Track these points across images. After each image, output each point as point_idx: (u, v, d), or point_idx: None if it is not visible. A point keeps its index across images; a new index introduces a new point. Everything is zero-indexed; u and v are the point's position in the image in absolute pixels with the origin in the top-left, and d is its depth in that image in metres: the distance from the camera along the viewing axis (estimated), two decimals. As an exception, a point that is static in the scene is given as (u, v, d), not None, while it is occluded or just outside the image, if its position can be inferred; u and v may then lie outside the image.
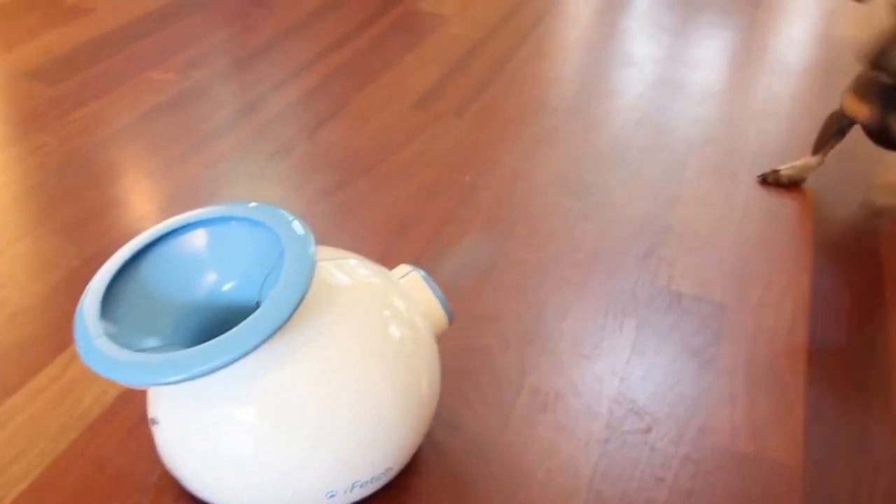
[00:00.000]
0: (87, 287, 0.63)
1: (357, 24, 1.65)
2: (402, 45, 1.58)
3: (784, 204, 1.14)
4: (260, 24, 1.63)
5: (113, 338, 0.59)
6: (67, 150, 1.20)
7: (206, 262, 0.67)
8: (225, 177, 1.16)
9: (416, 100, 1.38)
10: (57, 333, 0.88)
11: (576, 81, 1.47)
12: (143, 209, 1.09)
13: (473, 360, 0.87)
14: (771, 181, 1.18)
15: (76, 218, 1.06)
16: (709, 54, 1.60)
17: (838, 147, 1.18)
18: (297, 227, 0.64)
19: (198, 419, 0.63)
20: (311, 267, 0.61)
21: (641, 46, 1.62)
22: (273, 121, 1.30)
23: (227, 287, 0.67)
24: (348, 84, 1.43)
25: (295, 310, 0.58)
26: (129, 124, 1.28)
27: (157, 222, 0.68)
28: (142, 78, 1.42)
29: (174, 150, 1.22)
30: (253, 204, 0.67)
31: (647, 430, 0.80)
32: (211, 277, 0.66)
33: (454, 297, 0.95)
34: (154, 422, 0.67)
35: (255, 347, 0.56)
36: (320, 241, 1.03)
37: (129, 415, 0.79)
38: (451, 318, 0.75)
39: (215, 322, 0.67)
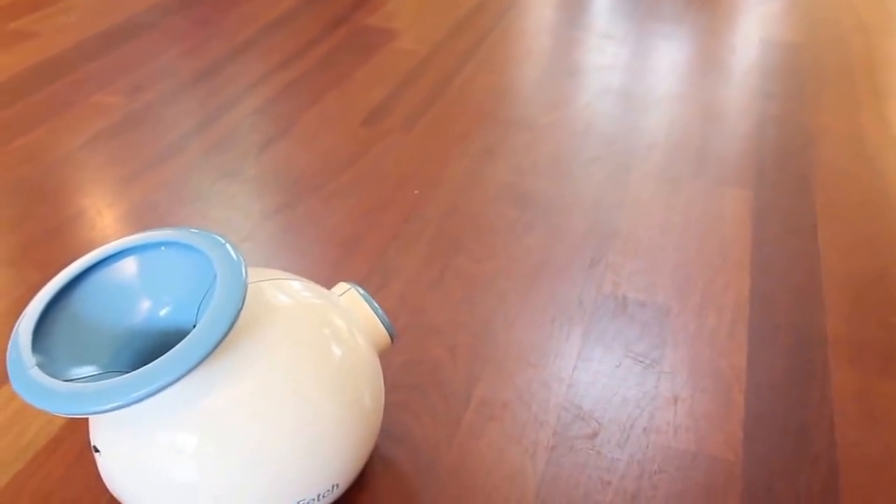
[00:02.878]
0: (20, 318, 0.63)
1: (305, 42, 1.66)
2: (351, 61, 1.58)
3: (724, 206, 1.16)
4: (206, 45, 1.63)
5: (46, 368, 0.59)
6: (11, 177, 1.19)
7: (139, 289, 0.67)
8: (172, 200, 1.15)
9: (365, 116, 1.39)
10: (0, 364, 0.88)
11: (523, 93, 1.49)
12: (88, 235, 1.08)
13: (421, 374, 0.88)
14: None
15: (20, 246, 1.06)
16: (653, 62, 1.62)
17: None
18: (229, 249, 0.64)
19: (137, 446, 0.63)
20: (243, 288, 0.61)
21: (588, 56, 1.64)
22: (221, 142, 1.30)
23: (163, 312, 0.67)
24: (297, 103, 1.43)
25: (227, 332, 0.58)
26: (74, 150, 1.27)
27: (103, 247, 0.68)
28: (87, 102, 1.41)
29: (120, 174, 1.21)
30: (183, 229, 0.67)
31: (594, 435, 0.81)
32: (146, 304, 0.67)
33: (402, 311, 0.96)
34: (96, 450, 0.67)
35: (187, 372, 0.56)
36: (266, 262, 1.03)
37: (74, 444, 0.79)
38: (393, 333, 0.75)
39: (154, 347, 0.67)
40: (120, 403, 0.55)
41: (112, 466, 0.66)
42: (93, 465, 0.76)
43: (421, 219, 1.12)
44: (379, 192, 1.18)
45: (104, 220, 1.11)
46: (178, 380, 0.57)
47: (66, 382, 0.58)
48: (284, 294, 0.70)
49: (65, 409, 0.57)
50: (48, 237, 1.07)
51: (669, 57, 1.64)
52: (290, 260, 1.04)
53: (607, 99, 1.46)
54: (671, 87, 1.51)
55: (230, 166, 1.24)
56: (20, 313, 0.94)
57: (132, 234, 0.68)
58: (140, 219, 1.11)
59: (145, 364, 0.59)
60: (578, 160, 1.27)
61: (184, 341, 0.58)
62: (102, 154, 1.26)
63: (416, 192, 1.18)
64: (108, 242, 0.67)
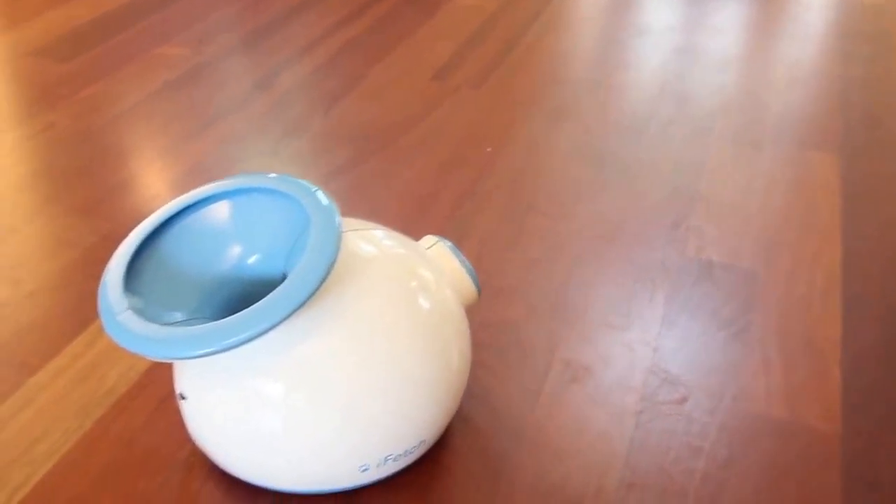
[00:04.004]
0: (110, 261, 0.61)
1: (368, -2, 1.63)
2: (416, 17, 1.55)
3: (809, 170, 1.12)
4: (270, -1, 1.61)
5: (137, 312, 0.57)
6: (78, 128, 1.18)
7: (229, 235, 0.65)
8: (238, 154, 1.14)
9: (433, 73, 1.36)
10: (76, 312, 0.87)
11: (593, 52, 1.45)
12: (156, 187, 1.07)
13: (501, 334, 0.85)
14: None
15: (89, 196, 1.04)
16: (726, 21, 1.57)
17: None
18: (322, 197, 0.62)
19: (225, 394, 0.61)
20: (338, 237, 0.59)
21: (658, 15, 1.59)
22: (287, 97, 1.28)
23: (252, 260, 0.65)
24: (362, 59, 1.40)
25: (322, 281, 0.56)
26: (140, 101, 1.26)
27: (170, 200, 0.66)
28: (153, 53, 1.40)
29: (187, 127, 1.20)
30: (275, 175, 0.65)
31: (683, 401, 0.79)
32: (235, 250, 0.65)
33: (479, 270, 0.93)
34: (182, 397, 0.65)
35: (283, 320, 0.54)
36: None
37: (156, 391, 0.78)
38: (479, 287, 0.73)
39: (242, 295, 0.65)
40: (217, 348, 0.54)
41: (198, 414, 0.64)
42: (174, 413, 0.75)
43: (494, 177, 1.10)
44: (450, 148, 1.15)
45: (170, 173, 1.10)
46: (269, 329, 0.55)
47: (158, 327, 0.56)
48: (372, 245, 0.68)
49: (158, 354, 0.55)
50: (116, 188, 1.06)
51: (741, 16, 1.59)
52: (360, 217, 1.02)
53: (679, 59, 1.42)
54: (744, 48, 1.47)
55: (297, 121, 1.22)
56: (92, 263, 0.93)
57: (197, 187, 0.66)
58: (206, 173, 1.10)
59: (233, 310, 0.57)
60: (653, 121, 1.23)
61: (280, 287, 0.56)
62: (168, 106, 1.25)
63: (488, 149, 1.15)
64: (174, 197, 0.65)
